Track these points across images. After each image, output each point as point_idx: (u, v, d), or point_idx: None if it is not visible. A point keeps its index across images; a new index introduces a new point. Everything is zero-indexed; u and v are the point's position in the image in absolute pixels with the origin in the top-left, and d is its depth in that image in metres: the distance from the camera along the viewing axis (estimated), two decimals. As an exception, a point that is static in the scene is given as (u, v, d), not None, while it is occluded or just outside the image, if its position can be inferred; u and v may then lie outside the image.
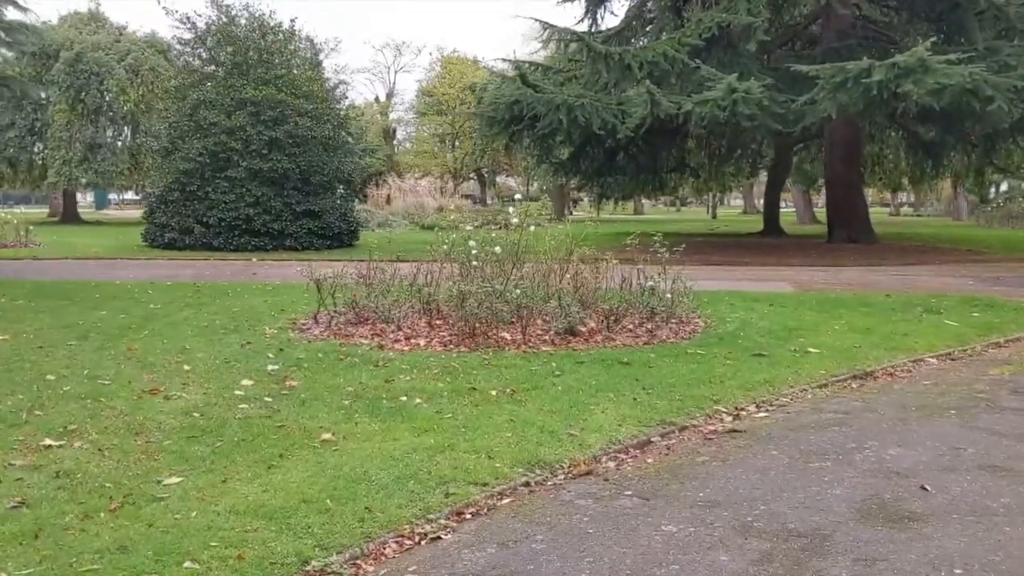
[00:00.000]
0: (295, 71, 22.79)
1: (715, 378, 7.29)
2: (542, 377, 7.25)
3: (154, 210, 22.54)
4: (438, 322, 9.44)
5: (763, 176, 39.61)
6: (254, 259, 19.57)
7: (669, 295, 9.63)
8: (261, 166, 21.37)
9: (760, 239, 29.04)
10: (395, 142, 60.94)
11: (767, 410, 6.54)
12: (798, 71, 18.34)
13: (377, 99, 64.14)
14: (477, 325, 8.77)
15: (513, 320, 8.89)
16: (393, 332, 9.15)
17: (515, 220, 9.66)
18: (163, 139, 22.76)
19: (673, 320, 9.87)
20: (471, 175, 68.78)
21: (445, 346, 8.61)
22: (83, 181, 38.55)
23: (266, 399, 6.49)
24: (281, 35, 23.44)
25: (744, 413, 6.42)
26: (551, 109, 18.43)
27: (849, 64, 17.50)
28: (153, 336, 9.19)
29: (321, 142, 22.43)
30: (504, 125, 20.19)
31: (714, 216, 57.04)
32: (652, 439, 5.76)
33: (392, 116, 61.50)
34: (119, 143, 39.98)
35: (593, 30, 24.71)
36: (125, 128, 40.39)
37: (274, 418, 5.98)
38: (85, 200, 72.45)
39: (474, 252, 9.79)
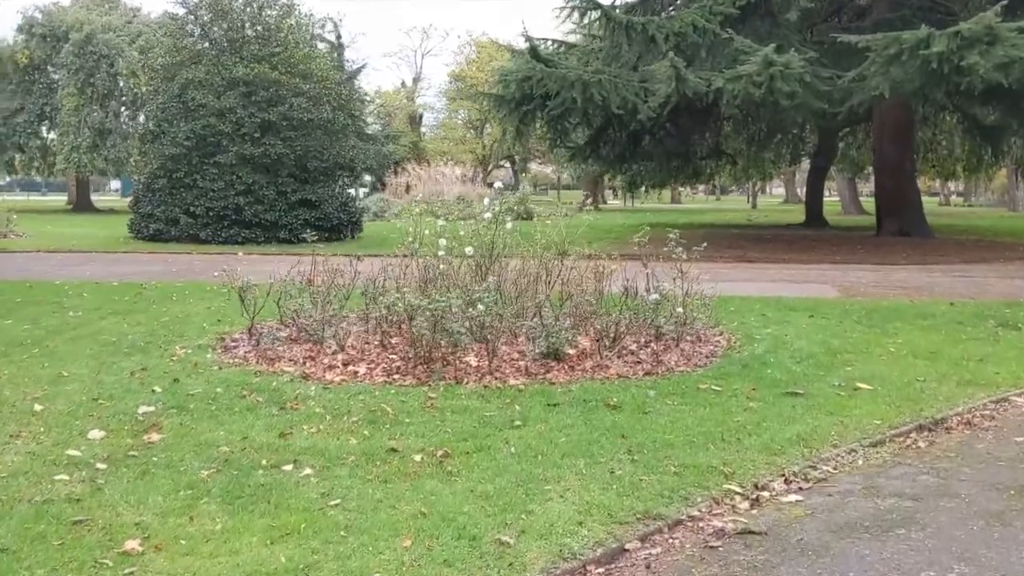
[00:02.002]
0: (292, 48, 20.94)
1: (730, 432, 5.36)
2: (495, 429, 5.37)
3: (139, 199, 20.95)
4: (395, 340, 7.60)
5: (806, 163, 37.21)
6: (240, 253, 17.84)
7: (681, 309, 7.68)
8: (252, 151, 19.66)
9: (802, 231, 26.81)
10: (422, 128, 59.13)
11: (800, 489, 4.61)
12: (845, 43, 16.17)
13: (403, 84, 62.44)
14: (435, 348, 6.92)
15: (483, 341, 7.02)
16: (331, 355, 7.33)
17: (488, 215, 7.79)
18: (149, 122, 21.12)
19: (688, 337, 7.96)
20: (502, 162, 66.91)
21: (390, 375, 6.76)
22: (91, 168, 37.14)
23: (98, 467, 4.68)
24: (279, 8, 21.63)
25: (766, 495, 4.49)
26: (564, 86, 16.40)
27: (904, 34, 15.32)
28: (38, 357, 7.44)
29: (320, 125, 20.65)
30: (515, 105, 18.21)
31: (754, 206, 54.70)
32: (626, 546, 3.88)
33: (419, 101, 59.71)
34: (130, 128, 38.59)
35: (618, 1, 22.58)
36: (138, 113, 39.00)
37: (84, 503, 4.17)
38: (117, 187, 71.89)
39: (441, 253, 7.98)
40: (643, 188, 33.44)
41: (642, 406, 5.89)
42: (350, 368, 6.94)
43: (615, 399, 6.05)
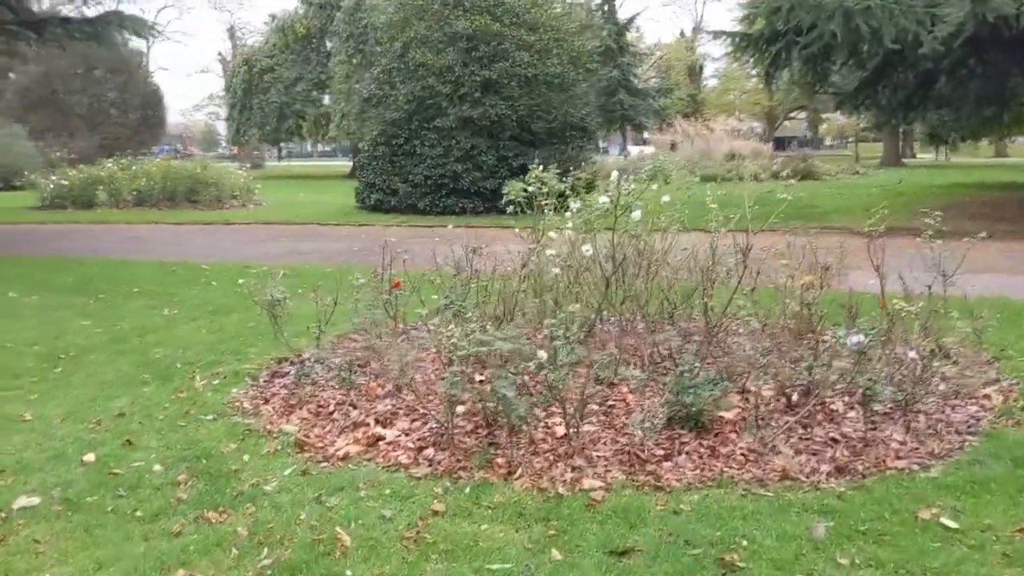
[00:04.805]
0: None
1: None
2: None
3: (363, 167, 19.96)
4: (469, 385, 5.27)
5: None
6: (450, 226, 16.11)
7: (915, 354, 4.66)
8: (471, 113, 17.88)
9: None
10: (703, 81, 55.37)
11: None
12: None
13: (682, 33, 58.77)
14: (499, 412, 4.53)
15: (552, 403, 4.51)
16: (379, 399, 5.16)
17: (604, 199, 5.22)
18: (372, 86, 20.01)
19: (939, 385, 4.98)
20: (793, 114, 61.46)
21: (420, 450, 4.47)
22: (359, 134, 37.61)
23: None
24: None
25: None
26: (820, 17, 12.96)
27: None
28: (42, 383, 5.94)
29: (546, 81, 18.44)
30: (763, 44, 14.93)
31: (1101, 159, 45.63)
32: None
33: (699, 51, 55.86)
34: (396, 94, 38.84)
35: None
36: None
37: None
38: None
39: (550, 252, 5.58)
40: (949, 141, 28.15)
41: (785, 568, 3.16)
42: (376, 431, 4.72)
43: (746, 542, 3.35)
